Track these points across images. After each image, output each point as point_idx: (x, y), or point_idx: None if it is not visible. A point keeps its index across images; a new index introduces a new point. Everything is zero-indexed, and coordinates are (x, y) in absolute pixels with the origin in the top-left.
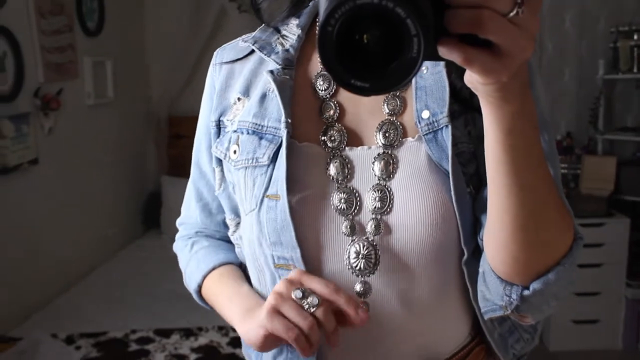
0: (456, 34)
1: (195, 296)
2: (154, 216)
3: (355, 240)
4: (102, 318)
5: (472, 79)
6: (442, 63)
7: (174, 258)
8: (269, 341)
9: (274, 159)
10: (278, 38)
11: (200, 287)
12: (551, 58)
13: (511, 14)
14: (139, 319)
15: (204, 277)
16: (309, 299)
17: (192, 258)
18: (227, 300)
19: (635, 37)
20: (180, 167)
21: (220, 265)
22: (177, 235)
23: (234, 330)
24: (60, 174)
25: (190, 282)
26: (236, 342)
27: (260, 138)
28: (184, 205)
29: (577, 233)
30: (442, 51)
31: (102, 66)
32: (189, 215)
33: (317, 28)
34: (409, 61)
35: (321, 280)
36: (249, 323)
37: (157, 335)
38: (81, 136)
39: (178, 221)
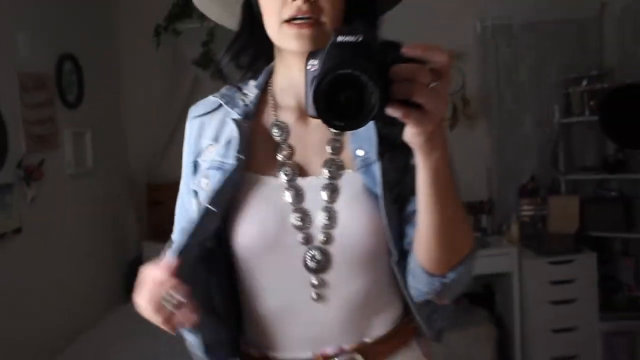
0: (397, 99)
1: None
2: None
3: (310, 247)
4: None
5: (410, 135)
6: None
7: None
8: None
9: (230, 190)
10: (240, 94)
11: None
12: (510, 108)
13: (431, 85)
14: None
15: None
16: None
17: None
18: None
19: (584, 83)
20: (161, 232)
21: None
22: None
23: None
24: (43, 242)
25: None
26: None
27: (221, 171)
28: (174, 235)
29: (473, 242)
30: (389, 111)
31: (81, 136)
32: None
33: (312, 88)
34: (368, 110)
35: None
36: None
37: None
38: (63, 205)
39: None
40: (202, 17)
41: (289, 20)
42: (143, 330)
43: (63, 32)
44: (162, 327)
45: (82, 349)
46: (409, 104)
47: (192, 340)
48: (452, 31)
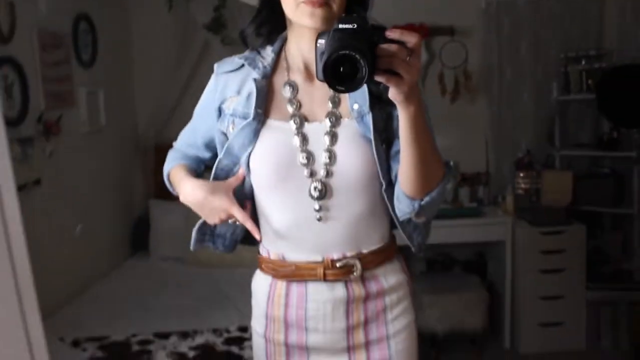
0: (382, 69)
1: (166, 181)
2: (142, 239)
3: (313, 179)
4: (103, 326)
5: (392, 94)
6: None
7: (162, 278)
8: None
9: (254, 134)
10: (259, 57)
11: (169, 173)
12: (510, 83)
13: (407, 58)
14: (138, 326)
15: (172, 168)
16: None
17: (172, 157)
18: (181, 178)
19: (583, 62)
20: (167, 192)
21: (181, 165)
22: (171, 149)
23: (227, 331)
24: (59, 195)
25: (165, 170)
26: (230, 341)
27: (245, 119)
28: (178, 140)
29: (445, 172)
30: (377, 77)
31: (95, 95)
32: (179, 143)
33: (321, 64)
34: (359, 79)
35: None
36: (201, 192)
37: (156, 337)
38: (77, 160)
39: (174, 145)
40: None
41: (305, 1)
42: (145, 283)
43: None
44: (218, 220)
45: (94, 296)
46: (390, 72)
47: (220, 230)
48: (457, 7)
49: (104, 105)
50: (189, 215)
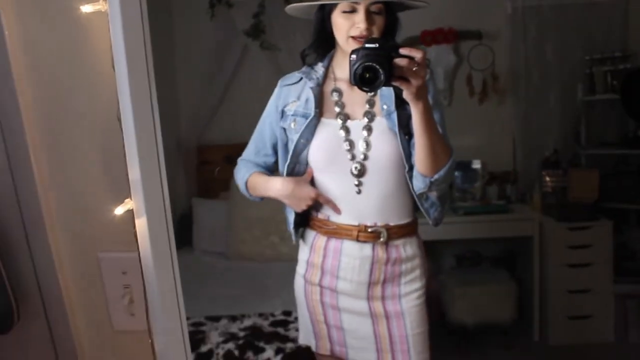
0: (397, 76)
1: (242, 187)
2: (186, 235)
3: (354, 161)
4: None
5: (405, 95)
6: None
7: (206, 270)
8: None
9: (314, 127)
10: (313, 71)
11: (246, 181)
12: (537, 84)
13: (414, 69)
14: (189, 311)
15: (250, 175)
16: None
17: (243, 168)
18: (267, 180)
19: (608, 63)
20: (208, 190)
21: (257, 172)
22: (239, 160)
23: (273, 315)
24: None
25: (240, 180)
26: (276, 324)
27: (306, 118)
28: (245, 150)
29: (451, 154)
30: (393, 82)
31: None
32: (247, 154)
33: (351, 71)
34: (378, 83)
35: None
36: (289, 186)
37: (208, 320)
38: None
39: (241, 157)
40: None
41: (353, 37)
42: (191, 276)
43: None
44: (305, 207)
45: None
46: (402, 78)
47: (290, 218)
48: (484, 12)
49: None
50: (230, 212)
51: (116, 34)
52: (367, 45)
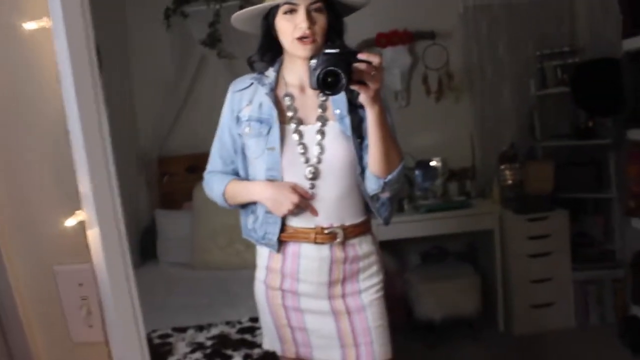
0: (355, 80)
1: (220, 199)
2: (151, 248)
3: (308, 164)
4: None
5: (362, 98)
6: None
7: (172, 282)
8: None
9: (268, 132)
10: (264, 77)
11: (224, 192)
12: (491, 81)
13: (372, 73)
14: (156, 323)
15: (226, 185)
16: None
17: (216, 180)
18: (247, 185)
19: (557, 58)
20: (171, 201)
21: (232, 180)
22: (205, 174)
23: (239, 323)
24: None
25: (216, 191)
26: (243, 331)
27: (261, 123)
28: (209, 163)
29: (402, 158)
30: (352, 87)
31: None
32: (214, 166)
33: (313, 76)
34: (340, 86)
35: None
36: (272, 189)
37: (174, 331)
38: None
39: (206, 171)
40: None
41: (298, 38)
42: (157, 288)
43: None
44: (286, 211)
45: None
46: (361, 82)
47: (274, 221)
48: (437, 12)
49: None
50: (194, 222)
51: (61, 52)
52: (326, 51)
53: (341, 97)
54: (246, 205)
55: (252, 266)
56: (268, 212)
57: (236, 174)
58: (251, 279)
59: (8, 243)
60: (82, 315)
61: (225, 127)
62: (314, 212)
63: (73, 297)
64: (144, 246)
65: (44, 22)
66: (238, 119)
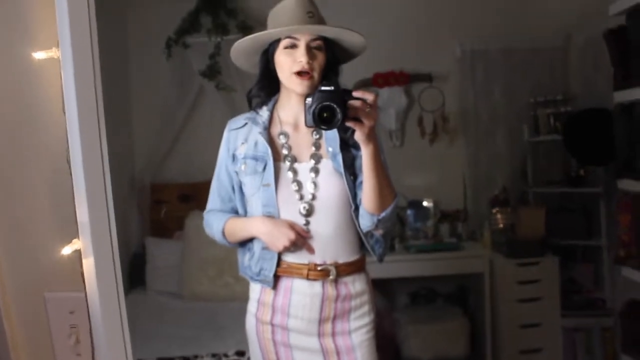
0: (350, 117)
1: (219, 236)
2: (139, 275)
3: (302, 201)
4: None
5: (357, 136)
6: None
7: (160, 311)
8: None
9: (264, 169)
10: (258, 116)
11: (223, 229)
12: (485, 125)
13: (366, 110)
14: (142, 353)
15: (225, 222)
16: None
17: (215, 218)
18: (245, 221)
19: (551, 106)
20: (162, 229)
21: (231, 217)
22: (205, 214)
23: (226, 356)
24: None
25: (216, 229)
26: None
27: (256, 160)
28: (208, 203)
29: (396, 195)
30: (347, 123)
31: None
32: (213, 205)
33: (309, 114)
34: (336, 121)
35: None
36: (269, 225)
37: None
38: None
39: (205, 211)
40: (210, 32)
41: (296, 73)
42: (144, 316)
43: None
44: (282, 247)
45: None
46: (356, 119)
47: (270, 257)
48: (434, 55)
49: None
50: (184, 251)
51: (67, 81)
52: (322, 88)
53: (334, 136)
54: (244, 243)
55: (240, 299)
56: (265, 248)
57: (235, 212)
58: (240, 312)
59: (1, 267)
60: (71, 343)
61: (222, 165)
62: (310, 250)
63: (63, 324)
64: (132, 272)
65: (53, 52)
66: (234, 157)
